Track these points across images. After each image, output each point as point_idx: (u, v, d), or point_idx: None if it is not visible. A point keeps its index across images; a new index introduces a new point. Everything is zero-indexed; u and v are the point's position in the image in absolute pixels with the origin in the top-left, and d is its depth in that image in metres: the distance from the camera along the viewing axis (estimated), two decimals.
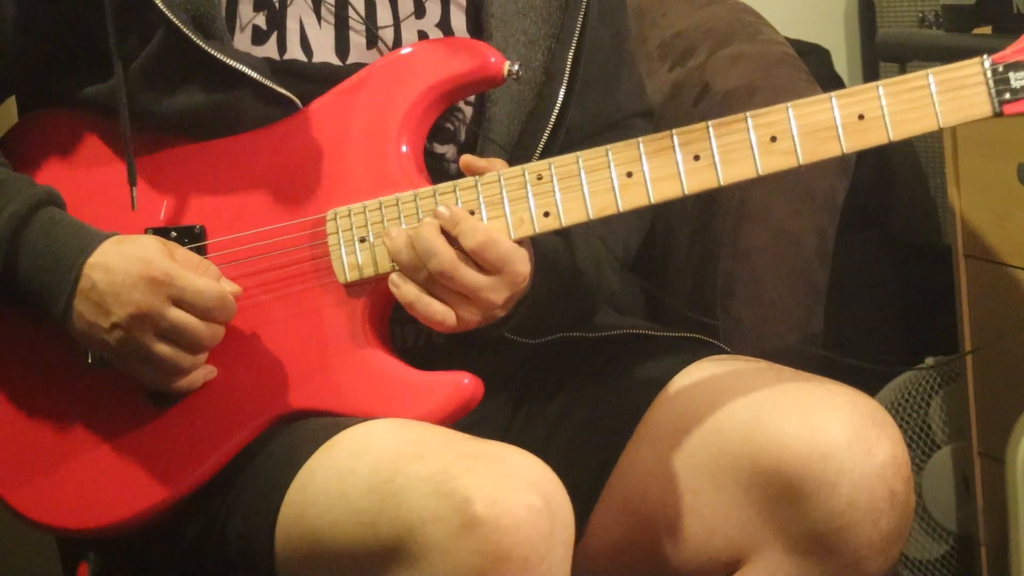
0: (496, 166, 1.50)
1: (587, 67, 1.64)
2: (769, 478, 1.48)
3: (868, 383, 1.80)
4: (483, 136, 1.61)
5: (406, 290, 1.48)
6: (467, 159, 1.51)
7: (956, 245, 2.11)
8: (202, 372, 1.51)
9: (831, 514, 1.46)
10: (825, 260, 1.93)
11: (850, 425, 1.47)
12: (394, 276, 1.48)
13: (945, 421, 2.27)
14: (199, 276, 1.47)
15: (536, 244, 1.54)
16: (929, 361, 2.27)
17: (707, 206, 1.94)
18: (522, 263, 1.48)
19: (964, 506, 2.25)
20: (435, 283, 1.47)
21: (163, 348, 1.47)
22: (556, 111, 1.61)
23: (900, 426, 2.00)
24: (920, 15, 2.32)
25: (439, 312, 1.47)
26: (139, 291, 1.45)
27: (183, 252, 1.49)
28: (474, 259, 1.46)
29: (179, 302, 1.46)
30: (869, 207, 2.43)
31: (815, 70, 2.01)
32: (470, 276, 1.46)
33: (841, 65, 2.63)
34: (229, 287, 1.49)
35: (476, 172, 1.50)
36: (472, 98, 1.63)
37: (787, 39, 2.07)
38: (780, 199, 1.91)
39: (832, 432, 1.47)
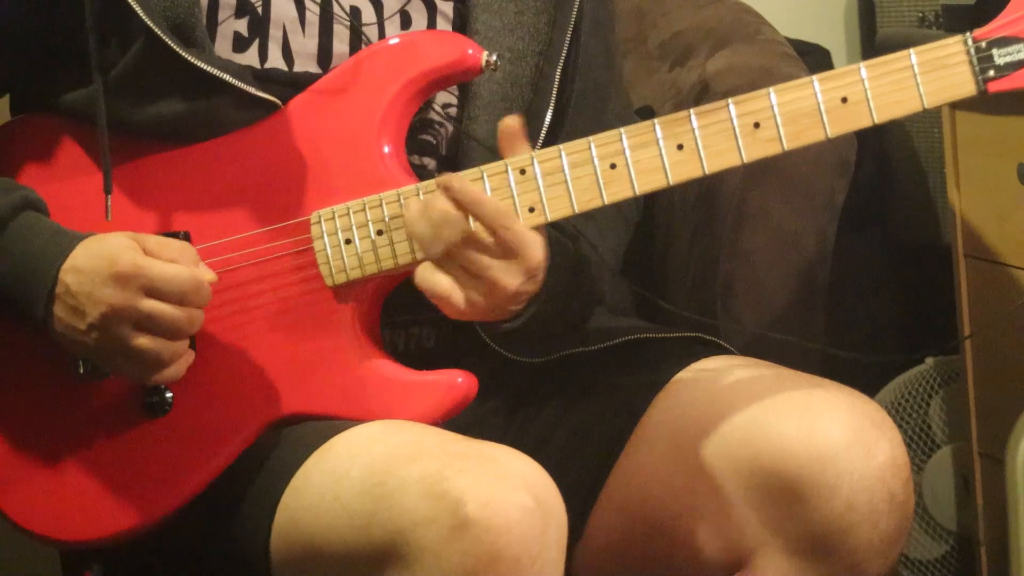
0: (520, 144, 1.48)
1: (579, 84, 1.63)
2: (768, 480, 1.48)
3: (868, 384, 1.80)
4: (463, 156, 1.60)
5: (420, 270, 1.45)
6: (507, 122, 1.47)
7: (956, 245, 2.11)
8: (184, 361, 1.49)
9: (830, 516, 1.46)
10: (825, 260, 1.93)
11: (849, 427, 1.47)
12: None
13: (945, 421, 2.26)
14: (169, 263, 1.45)
15: (548, 240, 1.51)
16: (929, 361, 2.27)
17: (707, 206, 1.94)
18: (536, 248, 1.45)
19: (964, 506, 2.25)
20: (447, 261, 1.44)
21: (142, 340, 1.45)
22: (545, 129, 1.60)
23: (900, 426, 2.00)
24: (920, 15, 2.32)
25: (444, 286, 1.44)
26: (109, 288, 1.44)
27: (156, 240, 1.48)
28: (490, 237, 1.43)
29: (151, 292, 1.45)
30: (869, 207, 2.42)
31: (815, 70, 2.01)
32: (483, 252, 1.43)
33: (841, 65, 2.62)
34: (206, 274, 1.48)
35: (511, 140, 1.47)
36: (454, 112, 1.62)
37: (787, 39, 2.07)
38: (780, 199, 1.91)
39: (831, 434, 1.46)
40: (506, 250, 1.44)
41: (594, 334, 1.65)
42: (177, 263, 1.46)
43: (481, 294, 1.45)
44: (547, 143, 1.59)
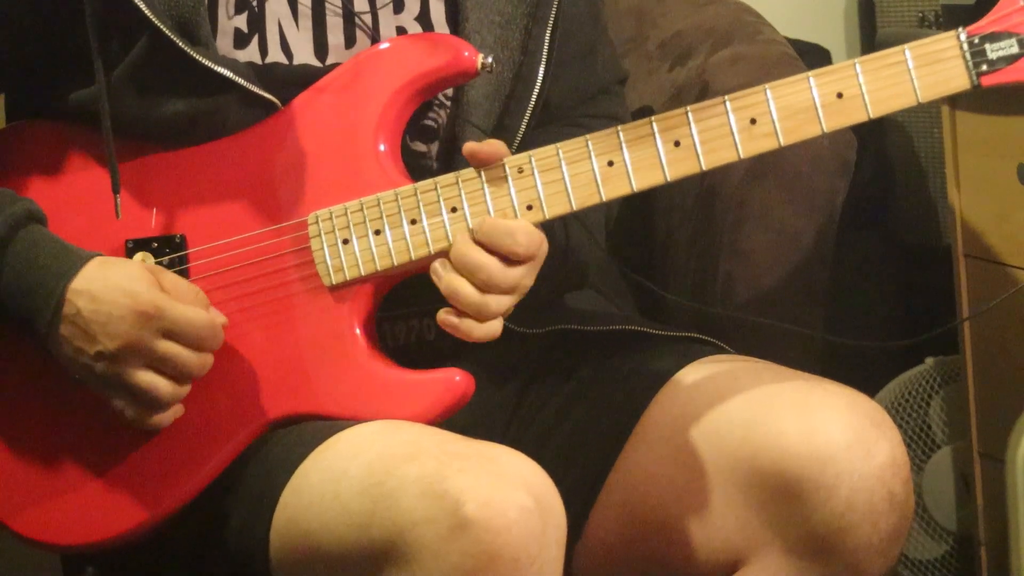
0: (497, 149, 1.49)
1: (565, 43, 1.64)
2: (768, 479, 1.48)
3: (868, 384, 1.80)
4: (462, 120, 1.60)
5: (466, 327, 1.47)
6: (470, 147, 1.49)
7: (956, 245, 2.11)
8: (174, 412, 1.50)
9: (830, 516, 1.46)
10: (825, 260, 1.93)
11: (849, 427, 1.47)
12: (443, 316, 1.47)
13: (945, 421, 2.26)
14: (188, 306, 1.46)
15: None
16: (929, 361, 2.27)
17: (707, 206, 1.94)
18: (545, 243, 1.49)
19: (964, 506, 2.25)
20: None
21: (149, 378, 1.46)
22: (536, 90, 1.61)
23: (900, 426, 2.00)
24: (920, 15, 2.32)
25: (497, 330, 1.47)
26: (127, 324, 1.44)
27: (171, 279, 1.48)
28: (512, 258, 1.46)
29: (169, 334, 1.45)
30: (869, 207, 2.42)
31: None
32: (512, 274, 1.46)
33: None
34: (217, 317, 1.49)
35: (482, 161, 1.48)
36: (450, 92, 1.62)
37: (787, 39, 2.07)
38: (780, 199, 1.91)
39: (831, 434, 1.46)
40: (528, 257, 1.47)
41: (594, 318, 1.66)
42: (193, 305, 1.46)
43: (512, 302, 1.48)
44: (538, 104, 1.61)
